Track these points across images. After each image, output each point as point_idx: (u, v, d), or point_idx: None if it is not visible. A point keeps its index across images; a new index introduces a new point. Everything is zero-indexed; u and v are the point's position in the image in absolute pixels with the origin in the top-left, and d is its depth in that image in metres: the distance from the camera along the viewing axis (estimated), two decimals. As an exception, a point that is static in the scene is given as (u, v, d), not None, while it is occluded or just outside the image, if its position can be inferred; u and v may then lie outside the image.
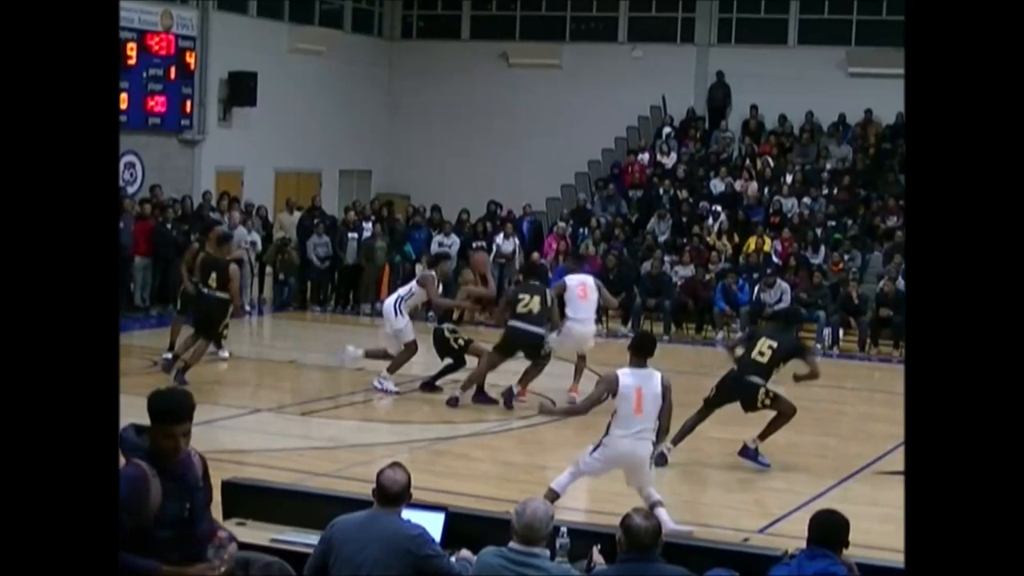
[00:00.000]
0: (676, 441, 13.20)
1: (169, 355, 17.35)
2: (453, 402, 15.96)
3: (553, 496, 10.21)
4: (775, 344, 13.46)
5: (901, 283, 22.76)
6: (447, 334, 16.42)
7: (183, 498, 5.99)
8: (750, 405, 13.51)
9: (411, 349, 16.76)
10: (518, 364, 16.35)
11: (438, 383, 16.65)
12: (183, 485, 6.00)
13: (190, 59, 27.04)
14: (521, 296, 16.25)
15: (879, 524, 10.61)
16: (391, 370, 16.67)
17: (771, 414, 13.45)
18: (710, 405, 13.72)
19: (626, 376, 10.56)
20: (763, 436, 13.39)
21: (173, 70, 26.54)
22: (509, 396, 15.96)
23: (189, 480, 6.06)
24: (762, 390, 13.37)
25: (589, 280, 17.20)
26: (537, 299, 16.07)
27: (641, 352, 10.73)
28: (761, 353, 13.44)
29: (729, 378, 13.72)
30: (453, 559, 7.15)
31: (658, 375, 10.65)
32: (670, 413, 10.82)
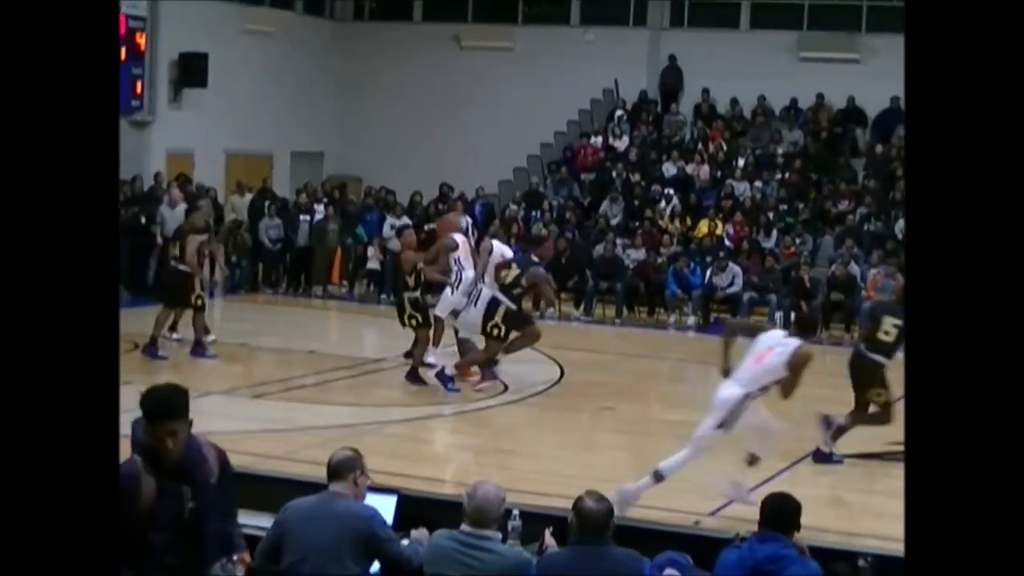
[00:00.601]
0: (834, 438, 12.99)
1: (174, 335, 18.10)
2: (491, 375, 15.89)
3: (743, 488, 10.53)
4: (900, 322, 12.89)
5: (853, 267, 22.89)
6: (406, 305, 16.30)
7: (182, 497, 5.79)
8: (867, 385, 13.11)
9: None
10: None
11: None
12: (187, 483, 5.80)
13: (140, 40, 26.83)
14: (513, 266, 16.14)
15: (829, 507, 10.69)
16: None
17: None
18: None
19: (773, 333, 11.04)
20: (836, 435, 13.01)
21: (123, 51, 26.32)
22: (443, 376, 15.78)
23: (196, 478, 5.85)
24: (883, 370, 13.00)
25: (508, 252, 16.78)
26: (517, 271, 15.88)
27: (799, 327, 11.53)
28: (886, 332, 13.05)
29: (851, 357, 13.49)
30: (406, 541, 7.15)
31: (792, 347, 10.62)
32: (790, 387, 10.72)
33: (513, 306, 15.68)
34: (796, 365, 10.49)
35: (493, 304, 15.66)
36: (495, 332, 15.65)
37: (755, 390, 10.49)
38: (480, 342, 16.06)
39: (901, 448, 12.13)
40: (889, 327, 13.06)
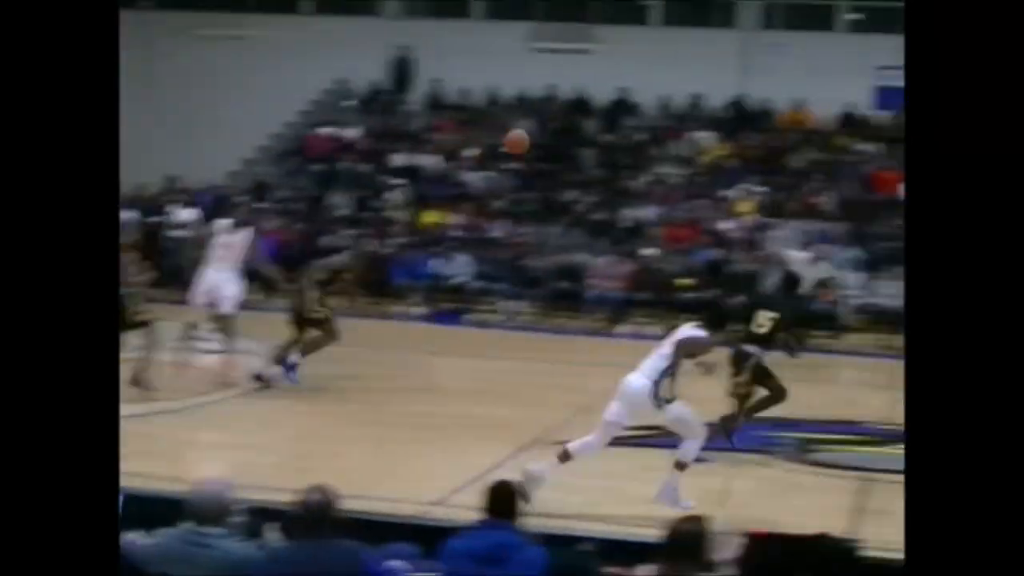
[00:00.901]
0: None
1: None
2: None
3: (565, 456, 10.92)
4: (774, 314, 13.26)
5: (580, 256, 23.30)
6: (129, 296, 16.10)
7: None
8: (738, 372, 13.16)
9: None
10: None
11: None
12: None
13: None
14: None
15: (552, 492, 10.76)
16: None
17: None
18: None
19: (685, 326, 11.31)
20: (750, 413, 13.19)
21: None
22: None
23: None
24: (755, 360, 13.10)
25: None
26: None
27: (706, 321, 11.38)
28: (760, 325, 13.24)
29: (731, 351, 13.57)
30: (129, 541, 7.01)
31: (686, 333, 11.06)
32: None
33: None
34: (685, 349, 10.91)
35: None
36: (318, 317, 15.97)
37: (657, 376, 10.81)
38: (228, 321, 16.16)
39: (643, 433, 12.40)
40: (763, 320, 13.38)
